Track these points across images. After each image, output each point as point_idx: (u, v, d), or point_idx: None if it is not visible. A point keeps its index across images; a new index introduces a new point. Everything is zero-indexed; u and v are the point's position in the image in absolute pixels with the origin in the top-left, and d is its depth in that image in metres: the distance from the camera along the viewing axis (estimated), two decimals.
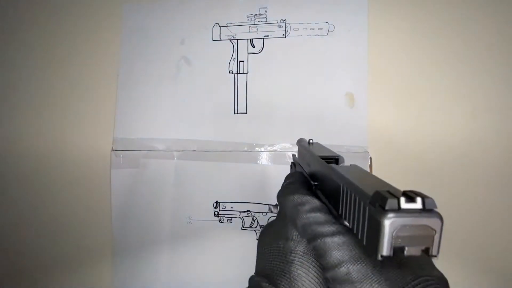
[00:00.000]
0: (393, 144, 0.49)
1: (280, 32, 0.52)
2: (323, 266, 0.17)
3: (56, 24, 0.58)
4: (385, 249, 0.13)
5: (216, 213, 0.52)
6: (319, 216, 0.18)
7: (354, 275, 0.15)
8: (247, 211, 0.52)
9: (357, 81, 0.50)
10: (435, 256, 0.14)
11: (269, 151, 0.52)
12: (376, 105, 0.50)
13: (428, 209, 0.14)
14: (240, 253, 0.52)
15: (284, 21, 0.52)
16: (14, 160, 0.58)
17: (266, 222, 0.51)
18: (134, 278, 0.54)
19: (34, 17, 0.58)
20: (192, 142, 0.53)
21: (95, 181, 0.56)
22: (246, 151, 0.52)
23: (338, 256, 0.16)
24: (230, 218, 0.52)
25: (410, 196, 0.13)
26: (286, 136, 0.51)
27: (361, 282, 0.15)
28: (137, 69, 0.55)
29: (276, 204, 0.51)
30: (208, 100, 0.53)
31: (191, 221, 0.53)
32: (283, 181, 0.26)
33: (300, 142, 0.33)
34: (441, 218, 0.14)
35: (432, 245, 0.14)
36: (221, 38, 0.54)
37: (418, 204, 0.13)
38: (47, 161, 0.57)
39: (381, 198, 0.14)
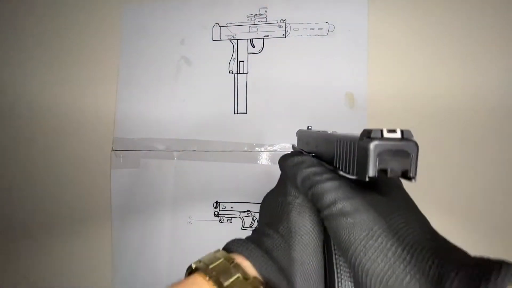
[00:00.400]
0: None
1: (280, 32, 0.52)
2: (319, 208, 0.19)
3: (56, 24, 0.58)
4: (371, 170, 0.16)
5: (216, 213, 0.52)
6: (316, 169, 0.20)
7: (346, 209, 0.18)
8: (247, 211, 0.52)
9: (357, 81, 0.50)
10: (413, 178, 0.17)
11: (269, 151, 0.52)
12: (376, 105, 0.50)
13: (406, 138, 0.17)
14: None
15: (284, 21, 0.52)
16: (14, 161, 0.58)
17: None
18: (134, 278, 0.54)
19: (34, 17, 0.58)
20: (192, 142, 0.53)
21: (95, 181, 0.56)
22: (246, 151, 0.52)
23: (333, 196, 0.18)
24: (230, 218, 0.52)
25: (392, 129, 0.16)
26: (286, 136, 0.51)
27: (353, 213, 0.17)
28: (137, 69, 0.55)
29: None
30: (208, 100, 0.53)
31: (191, 221, 0.53)
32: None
33: (299, 131, 0.33)
34: (416, 144, 0.17)
35: (410, 168, 0.17)
36: (221, 38, 0.54)
37: (398, 134, 0.16)
38: (48, 161, 0.57)
39: (368, 132, 0.17)
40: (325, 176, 0.19)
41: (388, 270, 0.15)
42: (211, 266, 0.18)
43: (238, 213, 0.52)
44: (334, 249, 0.20)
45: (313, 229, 0.21)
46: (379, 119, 0.50)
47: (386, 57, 0.50)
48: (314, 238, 0.21)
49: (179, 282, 0.19)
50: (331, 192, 0.18)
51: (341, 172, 0.19)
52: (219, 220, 0.52)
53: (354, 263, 0.17)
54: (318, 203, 0.19)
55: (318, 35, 0.51)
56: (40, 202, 0.57)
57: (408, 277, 0.15)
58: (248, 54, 0.53)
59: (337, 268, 0.20)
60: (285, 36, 0.52)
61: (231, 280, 0.17)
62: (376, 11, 0.50)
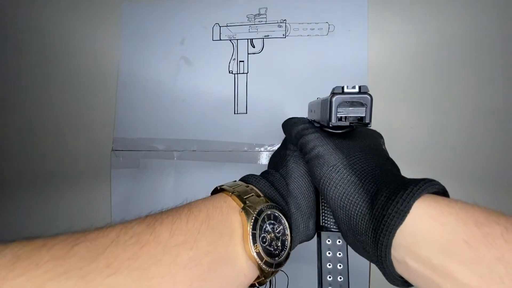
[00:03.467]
0: (393, 144, 0.49)
1: (280, 32, 0.52)
2: (304, 155, 0.25)
3: (56, 24, 0.58)
4: (333, 118, 0.21)
5: None
6: (304, 125, 0.26)
7: (320, 152, 0.23)
8: None
9: (357, 81, 0.50)
10: (368, 123, 0.22)
11: (269, 151, 0.52)
12: (376, 105, 0.50)
13: (363, 92, 0.21)
14: None
15: (284, 21, 0.52)
16: (14, 160, 0.58)
17: None
18: None
19: (33, 17, 0.58)
20: (192, 142, 0.53)
21: (95, 181, 0.56)
22: (246, 151, 0.52)
23: (312, 144, 0.24)
24: None
25: (352, 86, 0.21)
26: None
27: (323, 155, 0.23)
28: (137, 69, 0.55)
29: None
30: (208, 100, 0.53)
31: None
32: None
33: (309, 102, 0.36)
34: (371, 96, 0.21)
35: (365, 115, 0.21)
36: (221, 38, 0.54)
37: (356, 89, 0.21)
38: (47, 161, 0.57)
39: (334, 88, 0.21)
40: (310, 130, 0.25)
41: (344, 192, 0.21)
42: (233, 187, 0.23)
43: None
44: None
45: (305, 174, 0.26)
46: (379, 119, 0.50)
47: (386, 57, 0.50)
48: (306, 180, 0.26)
49: (208, 197, 0.24)
50: (312, 141, 0.24)
51: (317, 124, 0.24)
52: None
53: (323, 191, 0.22)
54: (303, 151, 0.25)
55: (318, 35, 0.51)
56: (40, 202, 0.57)
57: (356, 195, 0.20)
58: (248, 54, 0.53)
59: (322, 206, 0.26)
60: (285, 36, 0.52)
61: (248, 196, 0.22)
62: (376, 11, 0.50)
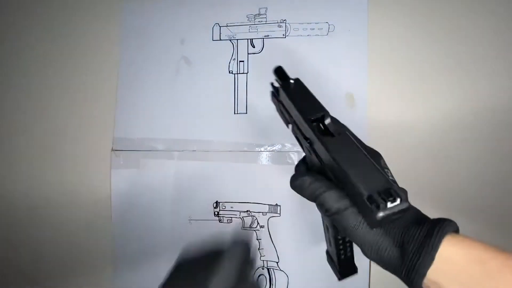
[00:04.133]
0: (394, 144, 0.49)
1: (280, 32, 0.52)
2: (324, 212, 0.27)
3: (56, 24, 0.58)
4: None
5: (216, 213, 0.52)
6: (315, 185, 0.27)
7: (338, 210, 0.25)
8: (247, 211, 0.52)
9: (357, 81, 0.50)
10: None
11: (269, 151, 0.52)
12: (376, 105, 0.50)
13: (403, 201, 0.21)
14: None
15: (284, 21, 0.52)
16: (13, 160, 0.58)
17: (266, 222, 0.51)
18: (134, 278, 0.54)
19: (33, 17, 0.59)
20: (192, 142, 0.53)
21: (95, 181, 0.56)
22: (246, 151, 0.52)
23: (329, 204, 0.26)
24: (230, 218, 0.52)
25: (392, 198, 0.20)
26: (286, 136, 0.51)
27: (342, 212, 0.25)
28: (137, 69, 0.55)
29: (276, 204, 0.51)
30: (208, 100, 0.53)
31: (191, 221, 0.53)
32: (286, 179, 0.33)
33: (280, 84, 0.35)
34: (408, 204, 0.21)
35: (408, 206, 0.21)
36: (221, 38, 0.54)
37: (397, 201, 0.20)
38: (47, 161, 0.57)
39: (376, 203, 0.20)
40: (320, 190, 0.26)
41: (373, 243, 0.24)
42: None
43: (238, 213, 0.52)
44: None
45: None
46: (379, 119, 0.50)
47: (386, 57, 0.50)
48: None
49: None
50: (327, 201, 0.26)
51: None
52: (219, 220, 0.52)
53: (352, 236, 0.25)
54: (322, 209, 0.27)
55: (318, 35, 0.51)
56: (39, 201, 0.57)
57: (385, 245, 0.23)
58: (248, 54, 0.53)
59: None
60: (285, 36, 0.52)
61: None
62: (376, 11, 0.50)
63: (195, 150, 0.53)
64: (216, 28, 0.54)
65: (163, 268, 0.56)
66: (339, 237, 0.32)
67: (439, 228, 0.21)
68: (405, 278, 0.22)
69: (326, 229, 0.34)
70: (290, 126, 0.35)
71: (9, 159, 0.58)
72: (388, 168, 0.29)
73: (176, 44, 0.55)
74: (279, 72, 0.36)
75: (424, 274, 0.21)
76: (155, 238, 0.54)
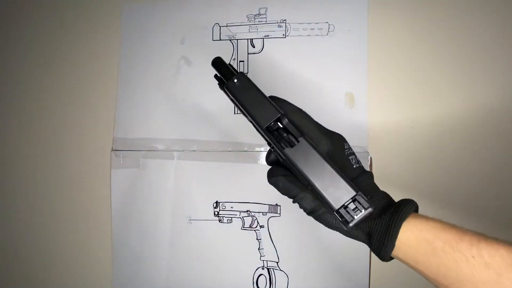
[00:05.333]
0: (393, 144, 0.49)
1: (280, 32, 0.52)
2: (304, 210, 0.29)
3: (56, 24, 0.58)
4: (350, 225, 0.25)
5: (216, 213, 0.52)
6: (289, 188, 0.29)
7: (314, 210, 0.28)
8: (247, 211, 0.52)
9: (357, 81, 0.50)
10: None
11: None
12: (376, 105, 0.50)
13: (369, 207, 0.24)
14: (240, 253, 0.52)
15: (284, 21, 0.52)
16: (13, 160, 0.58)
17: (266, 222, 0.51)
18: (134, 278, 0.54)
19: (33, 17, 0.59)
20: (192, 142, 0.53)
21: (95, 181, 0.56)
22: (246, 151, 0.52)
23: (305, 205, 0.28)
24: (230, 218, 0.52)
25: (357, 208, 0.24)
26: None
27: (317, 210, 0.28)
28: (137, 69, 0.55)
29: (276, 204, 0.51)
30: (208, 100, 0.53)
31: (191, 221, 0.53)
32: None
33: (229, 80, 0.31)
34: (372, 209, 0.25)
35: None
36: (221, 38, 0.54)
37: (362, 211, 0.24)
38: (47, 161, 0.57)
39: (343, 217, 0.25)
40: (294, 192, 0.28)
41: (349, 231, 0.28)
42: None
43: (238, 213, 0.52)
44: None
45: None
46: (379, 119, 0.50)
47: (386, 57, 0.50)
48: None
49: None
50: (302, 203, 0.28)
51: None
52: (219, 220, 0.52)
53: (330, 228, 0.28)
54: (300, 206, 0.29)
55: (318, 35, 0.51)
56: (39, 201, 0.57)
57: (357, 232, 0.28)
58: (248, 54, 0.53)
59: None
60: (285, 36, 0.52)
61: None
62: (376, 11, 0.50)
63: (195, 150, 0.53)
64: (216, 28, 0.54)
65: (163, 268, 0.56)
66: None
67: (398, 217, 0.25)
68: (374, 251, 0.27)
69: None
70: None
71: (9, 159, 0.58)
72: (353, 153, 0.30)
73: (176, 44, 0.55)
74: (219, 65, 0.32)
75: (387, 256, 0.25)
76: (155, 238, 0.54)
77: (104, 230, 0.55)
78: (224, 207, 0.52)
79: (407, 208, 0.25)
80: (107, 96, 0.56)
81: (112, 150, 0.55)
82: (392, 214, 0.25)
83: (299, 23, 0.52)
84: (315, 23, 0.51)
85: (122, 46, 0.56)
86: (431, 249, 0.23)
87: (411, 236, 0.24)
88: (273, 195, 0.52)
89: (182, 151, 0.53)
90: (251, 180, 0.52)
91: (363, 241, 0.28)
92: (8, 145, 0.58)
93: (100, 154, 0.55)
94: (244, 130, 0.52)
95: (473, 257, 0.21)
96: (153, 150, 0.54)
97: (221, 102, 0.53)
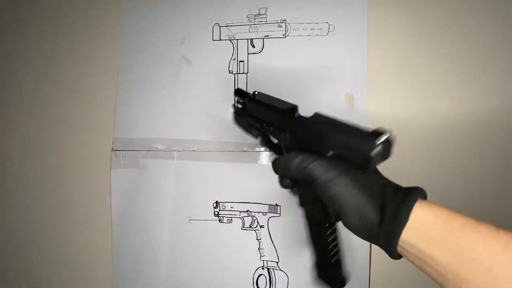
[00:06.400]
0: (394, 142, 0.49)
1: (280, 32, 0.52)
2: (312, 180, 0.29)
3: (56, 24, 0.58)
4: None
5: (216, 213, 0.52)
6: (301, 157, 0.29)
7: (330, 177, 0.27)
8: (247, 211, 0.52)
9: (357, 81, 0.50)
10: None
11: (269, 151, 0.52)
12: (376, 104, 0.50)
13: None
14: (240, 253, 0.52)
15: (284, 21, 0.52)
16: (14, 160, 0.58)
17: (266, 222, 0.51)
18: (134, 278, 0.54)
19: (34, 17, 0.59)
20: (192, 142, 0.53)
21: (95, 181, 0.56)
22: (246, 151, 0.52)
23: (318, 171, 0.28)
24: (230, 218, 0.52)
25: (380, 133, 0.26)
26: None
27: (334, 179, 0.27)
28: (137, 69, 0.55)
29: (276, 204, 0.51)
30: (208, 100, 0.53)
31: (191, 221, 0.53)
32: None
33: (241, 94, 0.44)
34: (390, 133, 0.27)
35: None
36: (221, 38, 0.54)
37: (384, 136, 0.26)
38: (47, 161, 0.57)
39: (372, 136, 0.26)
40: (309, 161, 0.28)
41: (357, 208, 0.26)
42: None
43: (238, 213, 0.52)
44: None
45: None
46: (379, 118, 0.50)
47: (386, 57, 0.50)
48: None
49: None
50: (317, 169, 0.28)
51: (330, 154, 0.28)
52: (219, 220, 0.52)
53: (338, 202, 0.27)
54: (311, 178, 0.28)
55: (318, 35, 0.51)
56: (39, 201, 0.57)
57: (369, 209, 0.26)
58: (248, 54, 0.53)
59: None
60: (285, 36, 0.52)
61: None
62: (376, 11, 0.50)
63: (195, 150, 0.53)
64: (216, 28, 0.54)
65: (163, 268, 0.56)
66: (329, 240, 0.33)
67: (412, 194, 0.24)
68: (382, 240, 0.25)
69: (311, 234, 0.35)
70: (259, 138, 0.41)
71: (9, 159, 0.58)
72: None
73: (176, 44, 0.55)
74: (240, 92, 0.43)
75: (399, 234, 0.23)
76: (155, 238, 0.54)
77: (104, 230, 0.55)
78: (224, 207, 0.52)
79: (420, 190, 0.25)
80: (107, 96, 0.56)
81: (112, 150, 0.55)
82: (407, 190, 0.25)
83: (299, 23, 0.52)
84: (315, 23, 0.51)
85: (122, 46, 0.56)
86: (449, 227, 0.22)
87: (428, 214, 0.23)
88: (273, 195, 0.52)
89: (182, 151, 0.53)
90: (251, 180, 0.52)
91: (372, 222, 0.25)
92: (8, 145, 0.58)
93: (100, 154, 0.55)
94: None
95: (491, 239, 0.21)
96: (153, 150, 0.54)
97: (221, 102, 0.53)
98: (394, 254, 0.24)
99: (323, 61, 0.51)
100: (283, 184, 0.34)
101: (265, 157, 0.52)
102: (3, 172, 0.59)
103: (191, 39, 0.54)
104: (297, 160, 0.29)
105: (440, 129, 0.49)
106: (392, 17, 0.50)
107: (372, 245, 0.47)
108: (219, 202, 0.52)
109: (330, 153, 0.28)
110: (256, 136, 0.41)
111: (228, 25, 0.53)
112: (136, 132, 0.55)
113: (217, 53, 0.54)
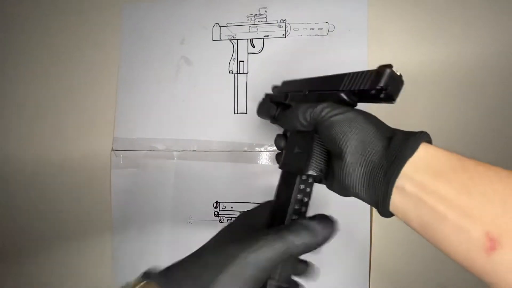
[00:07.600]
0: None
1: (280, 32, 0.52)
2: (322, 119, 0.28)
3: (56, 24, 0.58)
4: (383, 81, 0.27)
5: (216, 213, 0.52)
6: (325, 104, 0.29)
7: (341, 111, 0.28)
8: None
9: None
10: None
11: (269, 151, 0.52)
12: (376, 105, 0.50)
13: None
14: None
15: (284, 21, 0.52)
16: (14, 160, 0.58)
17: None
18: (135, 277, 0.54)
19: (33, 17, 0.59)
20: (192, 142, 0.53)
21: (95, 181, 0.56)
22: (246, 151, 0.52)
23: (328, 109, 0.28)
24: (230, 218, 0.52)
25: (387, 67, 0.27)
26: None
27: (343, 114, 0.27)
28: (137, 69, 0.55)
29: None
30: (208, 100, 0.53)
31: (191, 221, 0.53)
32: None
33: (275, 87, 0.43)
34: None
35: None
36: (221, 38, 0.54)
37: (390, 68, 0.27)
38: (48, 161, 0.57)
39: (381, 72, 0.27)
40: (318, 104, 0.28)
41: (363, 138, 0.25)
42: None
43: (238, 213, 0.52)
44: None
45: None
46: (381, 118, 0.49)
47: (386, 57, 0.50)
48: None
49: None
50: (330, 106, 0.28)
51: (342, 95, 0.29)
52: (219, 220, 0.52)
53: (346, 137, 0.26)
54: (323, 112, 0.27)
55: (318, 35, 0.51)
56: (39, 201, 0.57)
57: (374, 139, 0.25)
58: (248, 54, 0.53)
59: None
60: (285, 36, 0.52)
61: None
62: (376, 11, 0.50)
63: (195, 150, 0.53)
64: (216, 28, 0.54)
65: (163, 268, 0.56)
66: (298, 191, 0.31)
67: (423, 133, 0.24)
68: (381, 174, 0.23)
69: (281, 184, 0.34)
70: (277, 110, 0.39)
71: (9, 159, 0.58)
72: None
73: (176, 44, 0.55)
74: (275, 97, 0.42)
75: (405, 160, 0.22)
76: (155, 238, 0.54)
77: (104, 230, 0.55)
78: (224, 207, 0.52)
79: (429, 135, 0.24)
80: (107, 96, 0.56)
81: (112, 150, 0.55)
82: (417, 132, 0.24)
83: (299, 23, 0.52)
84: (315, 23, 0.51)
85: (122, 46, 0.56)
86: (461, 164, 0.21)
87: (439, 151, 0.22)
88: (273, 195, 0.52)
89: (182, 151, 0.53)
90: (251, 180, 0.52)
91: (376, 153, 0.24)
92: (8, 145, 0.58)
93: (100, 154, 0.55)
94: (244, 130, 0.52)
95: (508, 176, 0.20)
96: (153, 150, 0.54)
97: (221, 102, 0.53)
98: (390, 191, 0.22)
99: (323, 61, 0.51)
100: (278, 139, 0.35)
101: (265, 157, 0.52)
102: (3, 171, 0.59)
103: (191, 39, 0.54)
104: (304, 106, 0.29)
105: (442, 128, 0.49)
106: (392, 17, 0.50)
107: (372, 242, 0.47)
108: (219, 202, 0.52)
109: (345, 85, 0.29)
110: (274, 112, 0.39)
111: (228, 25, 0.53)
112: (136, 132, 0.55)
113: (217, 53, 0.54)
